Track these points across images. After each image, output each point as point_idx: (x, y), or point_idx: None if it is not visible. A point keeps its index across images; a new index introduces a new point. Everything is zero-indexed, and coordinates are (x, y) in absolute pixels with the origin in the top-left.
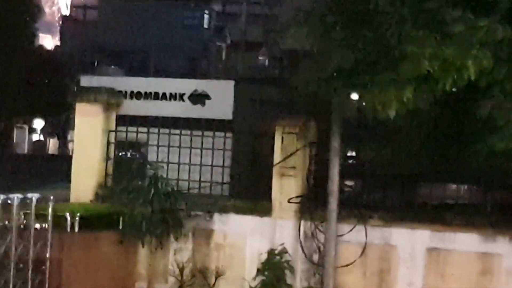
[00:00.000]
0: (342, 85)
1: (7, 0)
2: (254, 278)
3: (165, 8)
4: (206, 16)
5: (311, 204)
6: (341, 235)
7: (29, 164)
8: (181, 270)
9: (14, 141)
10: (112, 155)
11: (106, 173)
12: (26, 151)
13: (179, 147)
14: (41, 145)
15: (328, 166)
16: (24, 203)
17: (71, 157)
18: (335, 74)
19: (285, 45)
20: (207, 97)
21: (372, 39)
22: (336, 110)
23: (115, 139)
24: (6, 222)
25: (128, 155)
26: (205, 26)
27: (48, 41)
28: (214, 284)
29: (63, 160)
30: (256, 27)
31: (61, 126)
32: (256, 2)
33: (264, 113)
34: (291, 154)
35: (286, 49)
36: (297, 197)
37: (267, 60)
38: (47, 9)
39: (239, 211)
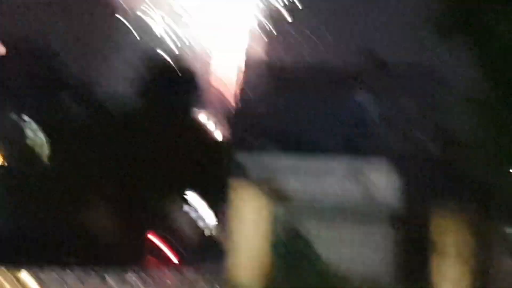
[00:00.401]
0: (503, 170)
1: (167, 76)
2: None
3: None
4: (360, 92)
5: None
6: None
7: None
8: None
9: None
10: (269, 229)
11: None
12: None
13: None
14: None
15: None
16: None
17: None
18: (496, 160)
19: (443, 124)
20: (363, 174)
21: None
22: (496, 193)
23: (271, 213)
24: None
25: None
26: (360, 101)
27: (203, 115)
28: None
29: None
30: (413, 104)
31: (212, 201)
32: (412, 79)
33: (424, 194)
34: (449, 236)
35: (445, 128)
36: None
37: (423, 139)
38: None
39: None
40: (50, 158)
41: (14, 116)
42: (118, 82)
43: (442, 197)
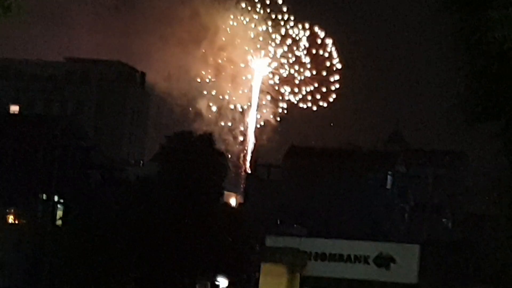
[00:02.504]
0: None
1: (195, 157)
2: None
3: (349, 169)
4: (389, 177)
5: None
6: None
7: None
8: None
9: None
10: None
11: None
12: None
13: None
14: None
15: None
16: None
17: None
18: None
19: (469, 209)
20: (392, 260)
21: None
22: None
23: None
24: None
25: None
26: (388, 187)
27: (233, 199)
28: None
29: None
30: (440, 190)
31: (243, 285)
32: (440, 165)
33: (449, 278)
34: None
35: (470, 213)
36: None
37: (450, 224)
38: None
39: None
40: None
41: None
42: (145, 159)
43: (468, 280)
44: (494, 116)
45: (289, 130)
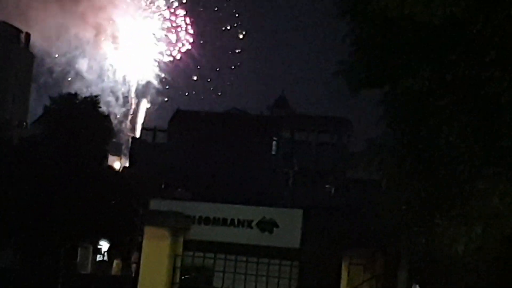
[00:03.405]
0: (411, 219)
1: (80, 120)
2: None
3: (234, 134)
4: (274, 143)
5: None
6: None
7: (91, 284)
8: None
9: (78, 260)
10: (177, 279)
11: None
12: (89, 271)
13: (245, 274)
14: (105, 266)
15: None
16: None
17: (134, 278)
18: (404, 207)
19: (352, 174)
20: (275, 225)
21: (443, 174)
22: (404, 243)
23: (182, 264)
24: None
25: (194, 280)
26: (273, 152)
27: (117, 162)
28: None
29: (126, 282)
30: (324, 156)
31: (126, 248)
32: (324, 131)
33: (332, 243)
34: (357, 286)
35: (354, 178)
36: None
37: (334, 189)
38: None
39: None
40: None
41: None
42: (29, 121)
43: (351, 245)
44: (377, 83)
45: (174, 96)
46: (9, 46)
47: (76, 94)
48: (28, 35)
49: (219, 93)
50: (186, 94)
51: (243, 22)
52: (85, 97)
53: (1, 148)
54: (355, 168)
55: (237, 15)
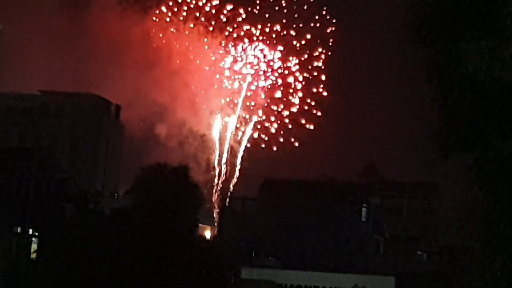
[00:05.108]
0: (507, 286)
1: (170, 190)
2: None
3: (323, 202)
4: (364, 209)
5: None
6: None
7: None
8: None
9: None
10: None
11: None
12: None
13: None
14: None
15: None
16: None
17: None
18: (499, 274)
19: (444, 240)
20: None
21: None
22: None
23: None
24: None
25: None
26: (363, 219)
27: (207, 231)
28: None
29: None
30: (415, 221)
31: None
32: (414, 196)
33: None
34: None
35: (446, 244)
36: None
37: (425, 256)
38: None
39: None
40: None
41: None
42: (120, 190)
43: None
44: (467, 148)
45: (260, 162)
46: (100, 118)
47: (166, 164)
48: (118, 107)
49: (307, 160)
50: (273, 160)
51: (329, 86)
52: (175, 167)
53: (93, 219)
54: (447, 234)
55: (323, 78)
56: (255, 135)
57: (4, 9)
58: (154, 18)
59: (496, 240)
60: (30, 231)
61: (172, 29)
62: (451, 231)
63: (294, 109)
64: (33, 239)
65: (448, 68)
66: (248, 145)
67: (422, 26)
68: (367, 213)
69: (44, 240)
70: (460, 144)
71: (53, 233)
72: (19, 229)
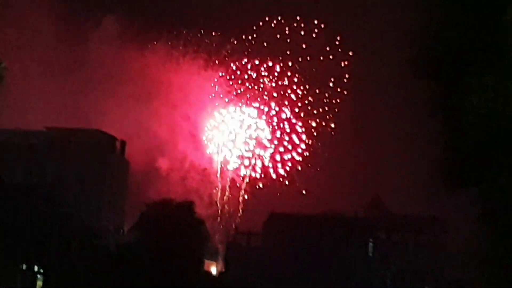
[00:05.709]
0: None
1: (175, 226)
2: None
3: (329, 237)
4: (370, 244)
5: None
6: None
7: None
8: None
9: None
10: None
11: None
12: None
13: None
14: None
15: None
16: None
17: None
18: None
19: (451, 274)
20: None
21: None
22: None
23: None
24: None
25: None
26: (370, 254)
27: (213, 267)
28: None
29: None
30: (421, 256)
31: None
32: (421, 231)
33: None
34: None
35: (452, 278)
36: None
37: None
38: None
39: None
40: None
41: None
42: (124, 225)
43: None
44: (474, 181)
45: (264, 197)
46: (105, 154)
47: (171, 200)
48: (123, 143)
49: (312, 195)
50: (277, 195)
51: (335, 117)
52: (180, 203)
53: (98, 255)
54: (454, 268)
55: (329, 116)
56: (258, 171)
57: (7, 47)
58: (152, 52)
59: (502, 275)
60: (36, 268)
61: (171, 63)
62: (458, 266)
63: (297, 153)
64: (38, 276)
65: (452, 102)
66: (250, 180)
67: (425, 61)
68: (374, 248)
69: (49, 277)
70: (465, 179)
71: (59, 270)
72: (24, 266)
